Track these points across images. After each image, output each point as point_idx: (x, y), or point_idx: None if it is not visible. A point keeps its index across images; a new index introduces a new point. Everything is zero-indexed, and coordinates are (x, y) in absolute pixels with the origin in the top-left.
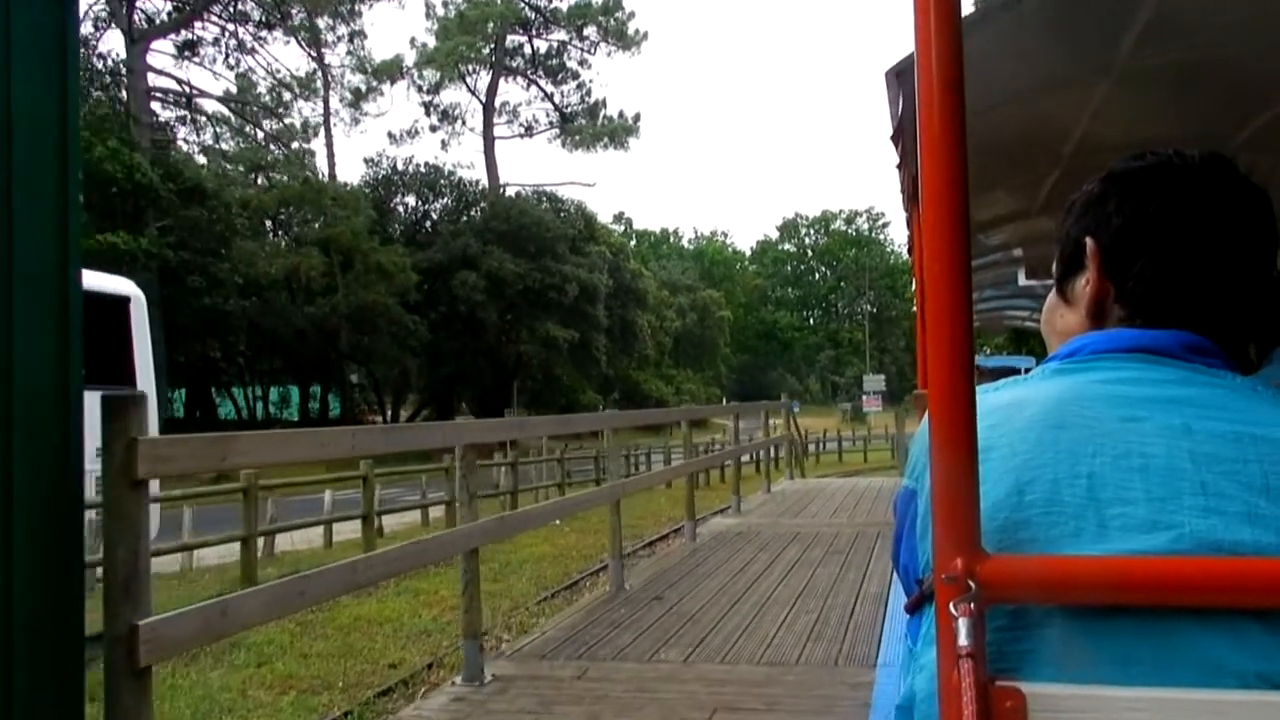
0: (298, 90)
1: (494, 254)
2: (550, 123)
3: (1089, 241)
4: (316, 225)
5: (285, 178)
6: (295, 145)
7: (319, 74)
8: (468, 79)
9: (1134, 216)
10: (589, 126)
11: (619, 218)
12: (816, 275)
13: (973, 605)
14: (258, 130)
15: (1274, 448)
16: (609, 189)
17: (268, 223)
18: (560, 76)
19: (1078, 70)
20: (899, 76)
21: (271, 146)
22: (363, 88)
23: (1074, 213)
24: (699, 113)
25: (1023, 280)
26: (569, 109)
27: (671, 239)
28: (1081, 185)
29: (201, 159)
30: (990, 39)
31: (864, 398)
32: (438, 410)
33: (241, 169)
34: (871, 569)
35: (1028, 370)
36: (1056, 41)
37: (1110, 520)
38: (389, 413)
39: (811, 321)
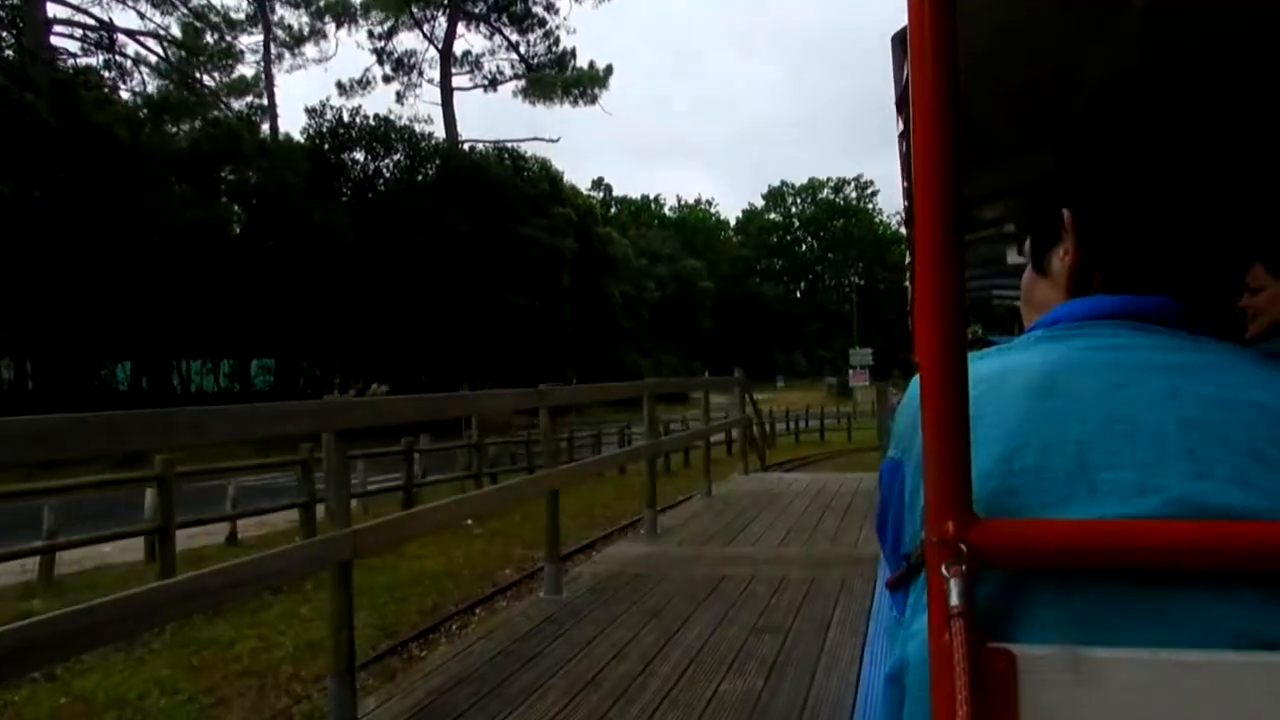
0: (220, 23)
1: (445, 214)
2: (516, 74)
3: (1065, 212)
4: (250, 178)
5: (199, 123)
6: (229, 92)
7: (257, 12)
8: (424, 26)
9: (1108, 184)
10: (555, 76)
11: (597, 184)
12: (803, 246)
13: (964, 568)
14: (189, 75)
15: (1260, 412)
16: (587, 154)
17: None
18: (526, 24)
19: (1077, 40)
20: (904, 42)
21: (199, 90)
22: (305, 29)
23: (1050, 185)
24: (682, 76)
25: (1012, 258)
26: (535, 59)
27: (653, 206)
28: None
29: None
30: (984, 8)
31: (851, 372)
32: (395, 385)
33: (148, 113)
34: (824, 669)
35: None
36: (1056, 11)
37: (1100, 485)
38: (335, 387)
39: (798, 294)
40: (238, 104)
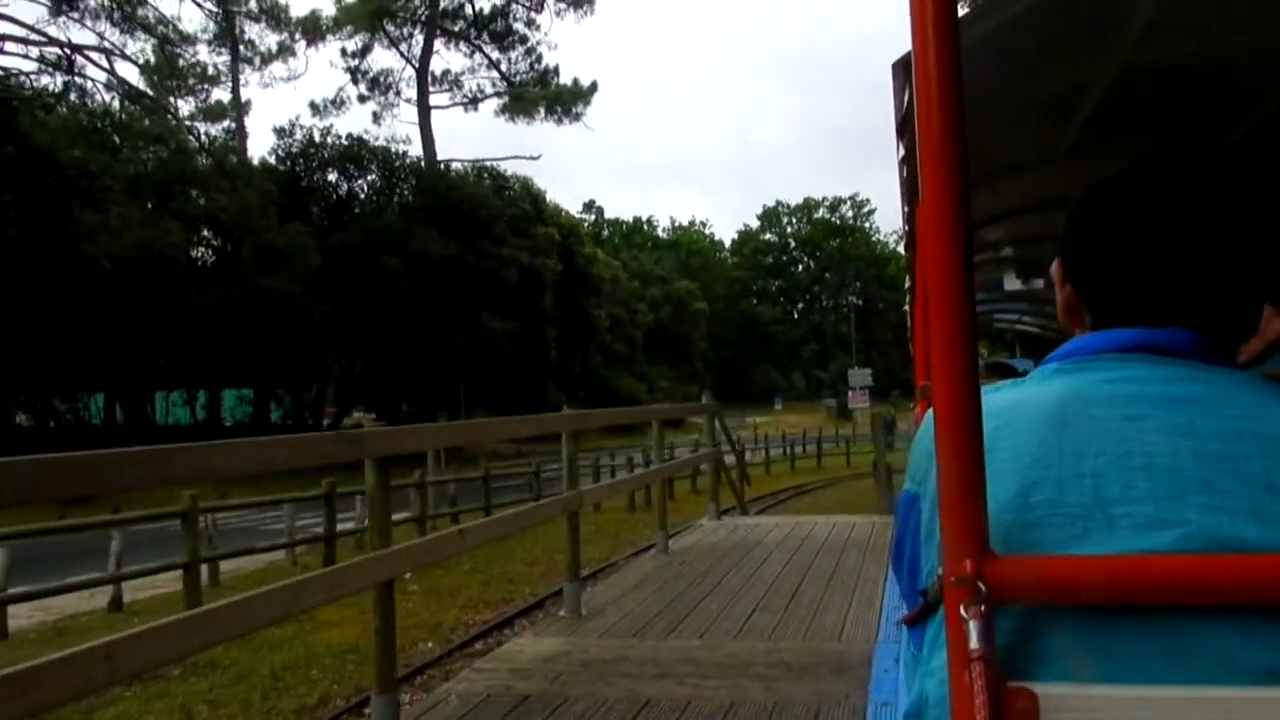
0: (174, 36)
1: (419, 234)
2: (497, 92)
3: (1056, 261)
4: (207, 200)
5: (160, 147)
6: (206, 117)
7: (224, 30)
8: (400, 45)
9: (1084, 229)
10: (536, 93)
11: (588, 206)
12: (799, 266)
13: (983, 607)
14: (155, 97)
15: (1276, 444)
16: (579, 178)
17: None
18: (507, 41)
19: (1075, 67)
20: (905, 68)
21: (153, 108)
22: (273, 47)
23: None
24: (675, 99)
25: (1010, 284)
26: (516, 77)
27: (645, 228)
28: (1076, 183)
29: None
30: (986, 35)
31: (850, 393)
32: (381, 414)
33: (93, 132)
34: None
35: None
36: (1054, 37)
37: (1117, 520)
38: (306, 417)
39: (795, 315)
40: (214, 128)
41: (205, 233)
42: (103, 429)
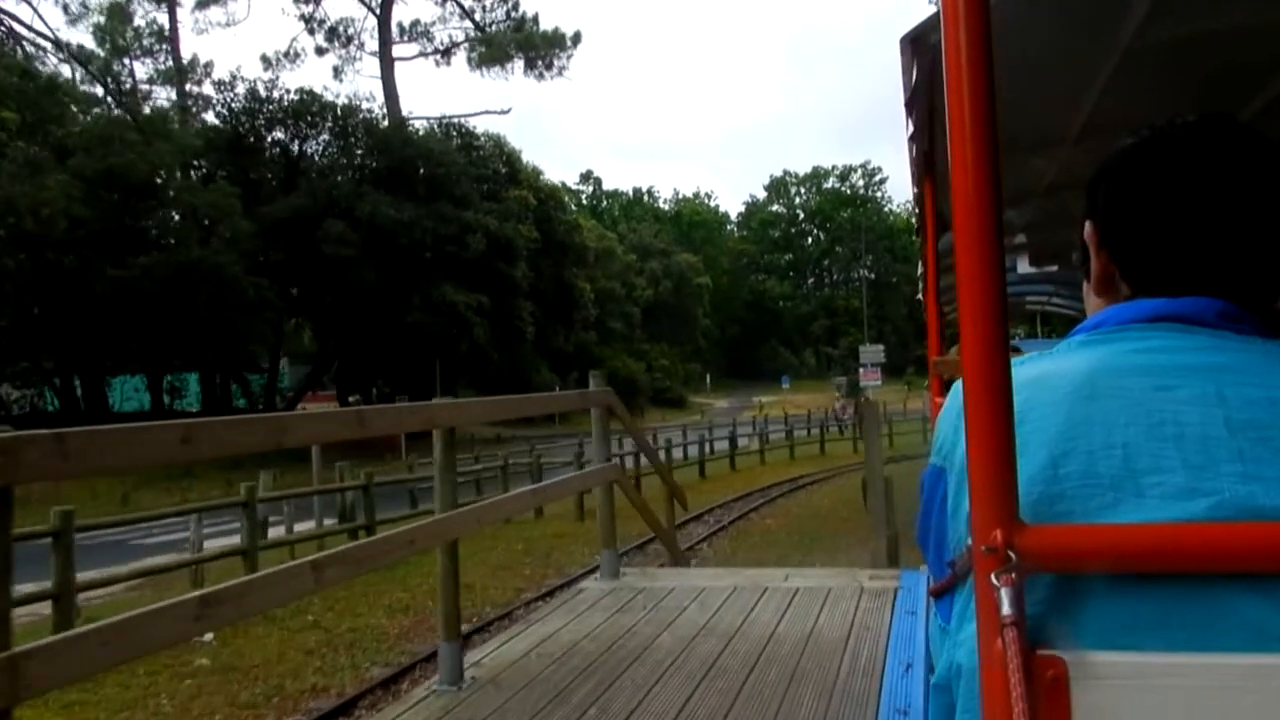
0: None
1: (369, 197)
2: (469, 41)
3: (1087, 224)
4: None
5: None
6: (163, 80)
7: None
8: None
9: (1123, 191)
10: (509, 37)
11: (586, 177)
12: (809, 239)
13: (1014, 575)
14: (59, 44)
15: None
16: (578, 150)
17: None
18: None
19: (1083, 47)
20: (914, 43)
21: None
22: None
23: (1084, 200)
24: (679, 63)
25: (1023, 267)
26: (491, 26)
27: (646, 199)
28: (1087, 166)
29: None
30: (995, 15)
31: (861, 371)
32: (345, 400)
33: None
34: None
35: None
36: (1061, 18)
37: (1148, 489)
38: (257, 400)
39: (804, 289)
40: (173, 92)
41: (115, 196)
42: (58, 417)
